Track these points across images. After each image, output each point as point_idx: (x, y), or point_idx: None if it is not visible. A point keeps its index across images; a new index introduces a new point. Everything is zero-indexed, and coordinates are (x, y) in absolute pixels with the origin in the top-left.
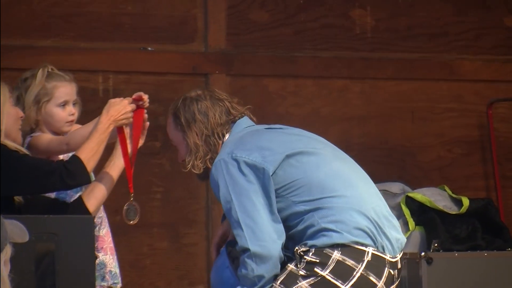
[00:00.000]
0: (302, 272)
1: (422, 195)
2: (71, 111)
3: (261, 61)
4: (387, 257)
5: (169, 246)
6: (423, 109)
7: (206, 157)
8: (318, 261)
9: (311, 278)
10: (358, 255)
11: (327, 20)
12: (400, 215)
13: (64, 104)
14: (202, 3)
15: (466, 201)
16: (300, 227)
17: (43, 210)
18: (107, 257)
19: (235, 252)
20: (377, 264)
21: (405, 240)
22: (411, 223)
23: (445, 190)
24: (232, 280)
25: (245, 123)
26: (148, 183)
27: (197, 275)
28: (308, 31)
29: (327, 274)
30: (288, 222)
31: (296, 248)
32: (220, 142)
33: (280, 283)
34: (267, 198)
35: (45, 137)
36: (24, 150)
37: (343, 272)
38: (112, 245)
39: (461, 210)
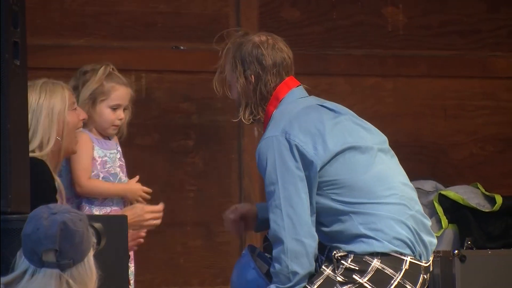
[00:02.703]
0: (339, 279)
1: (455, 193)
2: (120, 116)
3: (293, 59)
4: (423, 263)
5: (202, 245)
6: (456, 107)
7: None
8: (357, 268)
9: (349, 285)
10: (396, 264)
11: (359, 18)
12: (433, 213)
13: (116, 108)
14: (234, 1)
15: (499, 199)
16: (335, 226)
17: None
18: (132, 266)
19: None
20: (413, 272)
21: (436, 241)
22: (444, 221)
23: (478, 188)
24: (260, 281)
25: (299, 93)
26: (181, 182)
27: (230, 274)
28: (340, 29)
29: (365, 282)
30: (322, 217)
31: (334, 252)
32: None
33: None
34: (310, 191)
35: (82, 143)
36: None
37: (381, 280)
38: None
39: (494, 207)
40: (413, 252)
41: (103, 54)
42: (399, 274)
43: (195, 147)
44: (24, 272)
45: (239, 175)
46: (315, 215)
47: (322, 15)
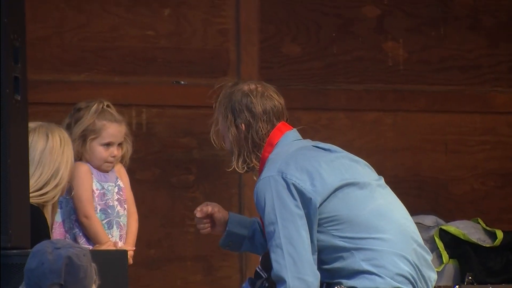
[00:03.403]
0: None
1: (455, 228)
2: (113, 153)
3: (294, 94)
4: None
5: (202, 280)
6: (456, 142)
7: (249, 154)
8: None
9: None
10: None
11: (359, 53)
12: (433, 248)
13: (108, 144)
14: (234, 36)
15: (500, 234)
16: (337, 263)
17: None
18: None
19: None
20: None
21: (436, 276)
22: (445, 256)
23: (478, 223)
24: None
25: (293, 136)
26: (181, 216)
27: None
28: (340, 64)
29: None
30: (323, 255)
31: None
32: (263, 143)
33: None
34: (311, 229)
35: (84, 175)
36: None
37: None
38: None
39: (495, 243)
40: None
41: (103, 89)
42: None
43: (196, 181)
44: None
45: (239, 210)
46: (316, 253)
47: (323, 50)
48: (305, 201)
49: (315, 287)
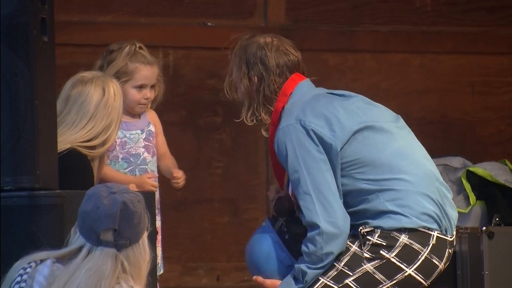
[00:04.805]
0: (367, 255)
1: (483, 169)
2: (146, 95)
3: (320, 36)
4: (448, 238)
5: (229, 221)
6: (483, 83)
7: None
8: (384, 243)
9: (376, 261)
10: (424, 239)
11: None
12: (460, 190)
13: (141, 87)
14: None
15: None
16: (362, 205)
17: None
18: (158, 249)
19: (282, 227)
20: (440, 247)
21: (457, 215)
22: (472, 198)
23: (506, 165)
24: (283, 256)
25: (307, 85)
26: (208, 158)
27: None
28: (367, 5)
29: (392, 257)
30: (348, 199)
31: (360, 228)
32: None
33: (344, 265)
34: (335, 173)
35: None
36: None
37: (408, 255)
38: (160, 237)
39: None
40: (439, 227)
41: (130, 31)
42: (427, 249)
43: (223, 123)
44: (79, 249)
45: (266, 152)
46: (342, 198)
47: None
48: (326, 147)
49: (346, 230)
